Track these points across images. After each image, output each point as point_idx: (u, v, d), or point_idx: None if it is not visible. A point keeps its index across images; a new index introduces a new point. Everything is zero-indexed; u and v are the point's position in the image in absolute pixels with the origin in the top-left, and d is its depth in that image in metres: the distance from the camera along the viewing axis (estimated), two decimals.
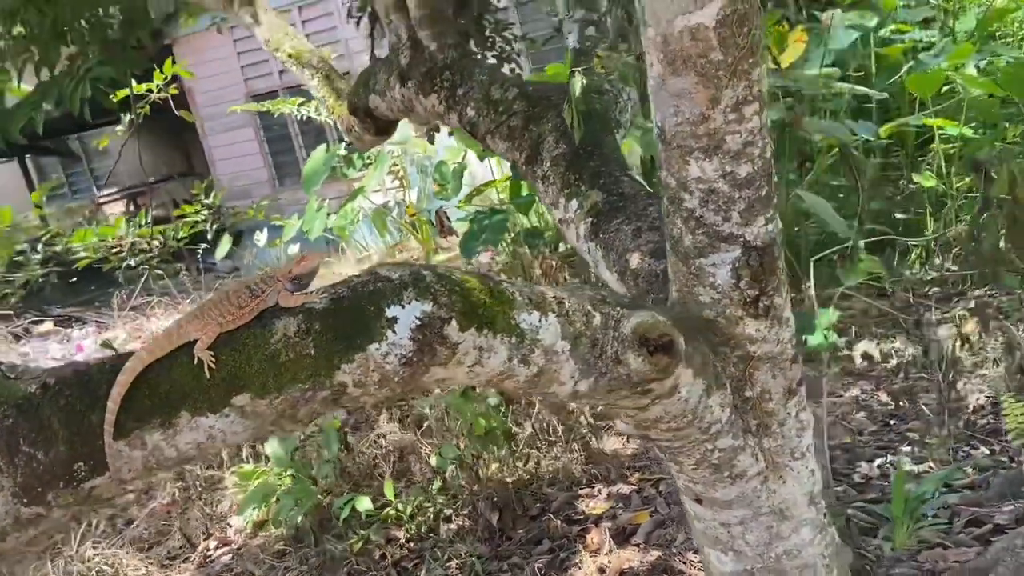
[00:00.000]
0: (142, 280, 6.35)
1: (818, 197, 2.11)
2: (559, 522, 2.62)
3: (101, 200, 12.75)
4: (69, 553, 3.05)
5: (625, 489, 2.81)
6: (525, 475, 2.97)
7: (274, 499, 2.99)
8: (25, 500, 1.02)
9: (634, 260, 1.84)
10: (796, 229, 4.29)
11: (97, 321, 7.43)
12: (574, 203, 2.01)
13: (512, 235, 5.70)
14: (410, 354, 1.11)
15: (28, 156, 13.93)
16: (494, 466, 2.99)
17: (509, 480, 2.92)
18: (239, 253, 8.90)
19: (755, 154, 1.38)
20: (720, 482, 1.64)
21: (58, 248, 4.89)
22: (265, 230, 8.30)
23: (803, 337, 3.30)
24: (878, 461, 2.68)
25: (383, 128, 2.60)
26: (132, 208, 12.13)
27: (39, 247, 5.15)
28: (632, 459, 3.03)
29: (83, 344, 6.17)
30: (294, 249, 8.07)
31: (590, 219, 1.97)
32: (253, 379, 1.08)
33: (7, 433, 1.02)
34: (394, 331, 1.10)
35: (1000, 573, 1.96)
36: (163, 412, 1.06)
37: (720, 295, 1.50)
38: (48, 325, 7.94)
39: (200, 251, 6.76)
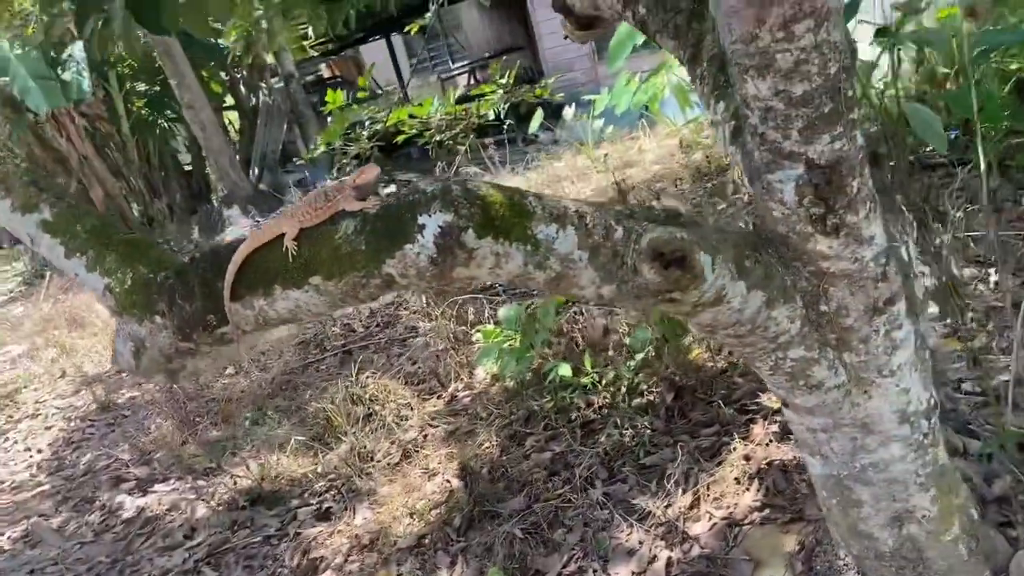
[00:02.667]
0: (462, 151, 7.09)
1: (921, 107, 1.81)
2: (730, 410, 2.72)
3: (445, 76, 14.00)
4: (349, 379, 3.84)
5: None
6: (724, 364, 3.08)
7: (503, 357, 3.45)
8: (180, 338, 1.49)
9: None
10: None
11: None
12: (721, 104, 2.02)
13: None
14: (435, 255, 1.36)
15: (393, 34, 15.69)
16: (696, 351, 3.14)
17: (708, 365, 3.05)
18: (570, 124, 9.37)
19: (811, 72, 1.36)
20: (797, 389, 1.69)
21: (378, 127, 5.70)
22: (574, 105, 8.67)
23: None
24: None
25: (585, 25, 2.72)
26: (473, 81, 13.24)
27: (367, 124, 6.04)
28: None
29: None
30: (599, 124, 8.33)
31: (733, 122, 1.98)
32: (323, 265, 1.41)
33: (169, 289, 1.48)
34: (423, 236, 1.35)
35: None
36: (263, 284, 1.45)
37: (789, 211, 1.52)
38: (392, 188, 9.27)
39: (506, 126, 7.33)
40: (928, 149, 5.12)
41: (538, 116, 8.15)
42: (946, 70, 5.34)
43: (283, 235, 1.44)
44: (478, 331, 3.82)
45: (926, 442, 1.72)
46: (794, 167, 1.47)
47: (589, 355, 3.12)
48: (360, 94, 5.76)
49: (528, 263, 1.38)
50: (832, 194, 1.47)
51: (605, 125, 8.74)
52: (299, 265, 1.43)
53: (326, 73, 18.02)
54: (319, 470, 3.35)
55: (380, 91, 14.25)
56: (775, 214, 1.55)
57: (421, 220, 1.36)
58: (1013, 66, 4.80)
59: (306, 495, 3.23)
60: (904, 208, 1.83)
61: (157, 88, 11.83)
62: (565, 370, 3.09)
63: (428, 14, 5.02)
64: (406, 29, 6.06)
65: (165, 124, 12.33)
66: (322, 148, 5.91)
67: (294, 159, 14.28)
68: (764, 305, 1.55)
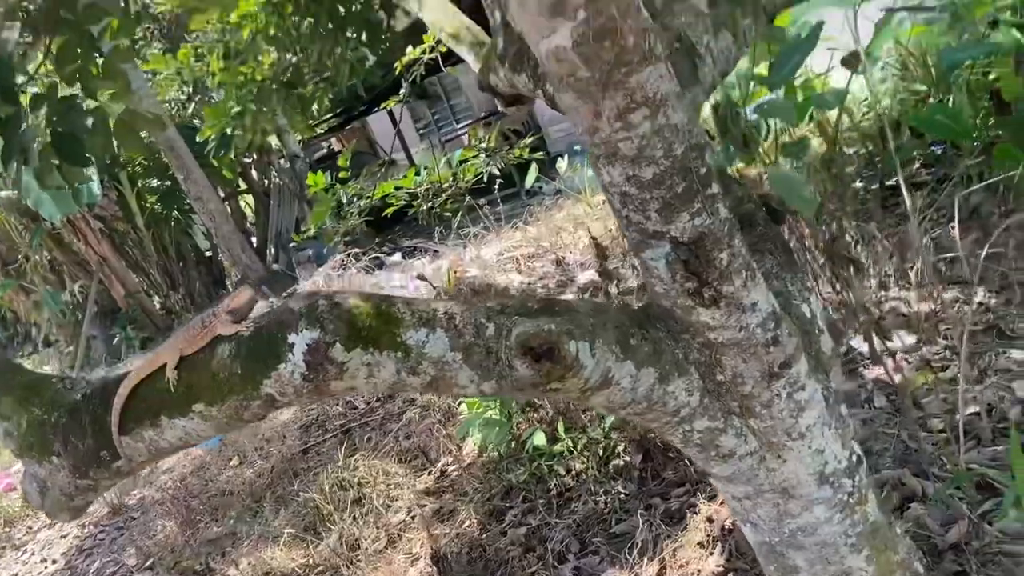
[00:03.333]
0: (456, 216, 7.17)
1: (788, 172, 1.80)
2: (696, 467, 2.68)
3: (447, 138, 14.24)
4: (338, 463, 3.84)
5: None
6: None
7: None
8: (77, 475, 1.52)
9: None
10: None
11: (435, 251, 8.61)
12: None
13: None
14: (306, 372, 1.38)
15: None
16: None
17: None
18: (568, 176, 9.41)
19: (656, 156, 1.37)
20: (711, 460, 1.67)
21: (363, 202, 5.82)
22: (566, 157, 8.75)
23: None
24: None
25: (512, 101, 2.78)
26: (473, 141, 13.43)
27: (354, 200, 6.16)
28: None
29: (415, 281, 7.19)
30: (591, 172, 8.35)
31: None
32: (203, 392, 1.44)
33: (63, 429, 1.51)
34: (293, 354, 1.38)
35: None
36: (150, 416, 1.48)
37: (667, 286, 1.52)
38: (397, 257, 9.36)
39: (497, 184, 7.40)
40: (916, 167, 5.10)
41: (533, 170, 8.24)
42: (924, 87, 5.33)
43: (165, 365, 1.47)
44: (461, 403, 3.82)
45: (851, 501, 1.68)
46: (660, 245, 1.47)
47: (563, 421, 3.10)
48: (342, 174, 5.90)
49: (401, 370, 1.40)
50: (702, 268, 1.47)
51: None
52: (181, 394, 1.45)
53: (336, 147, 18.42)
54: (310, 562, 3.35)
55: (387, 158, 14.50)
56: (657, 289, 1.55)
57: (290, 339, 1.38)
58: (991, 76, 4.77)
59: None
60: (810, 259, 1.81)
61: (168, 183, 12.17)
62: (540, 439, 3.08)
63: (402, 91, 5.15)
64: (381, 106, 6.22)
65: (179, 216, 12.64)
66: (312, 230, 6.04)
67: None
68: (657, 381, 1.54)
